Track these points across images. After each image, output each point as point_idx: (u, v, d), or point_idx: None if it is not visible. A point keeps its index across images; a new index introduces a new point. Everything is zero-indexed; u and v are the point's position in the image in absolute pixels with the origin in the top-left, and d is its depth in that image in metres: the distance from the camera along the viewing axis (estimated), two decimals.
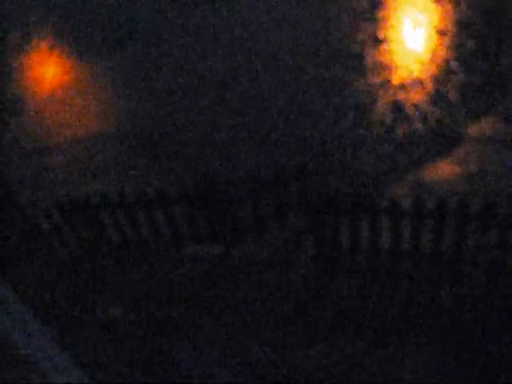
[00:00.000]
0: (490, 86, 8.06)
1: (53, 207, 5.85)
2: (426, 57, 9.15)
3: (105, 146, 8.60)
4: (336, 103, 8.36)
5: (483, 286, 4.81)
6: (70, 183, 7.82)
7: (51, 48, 12.52)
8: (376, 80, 8.75)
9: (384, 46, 9.67)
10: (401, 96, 8.25)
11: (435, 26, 10.01)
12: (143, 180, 7.44)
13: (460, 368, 4.21)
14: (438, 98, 8.05)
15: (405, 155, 7.11)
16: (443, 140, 7.22)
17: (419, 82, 8.48)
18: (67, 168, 8.28)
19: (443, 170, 6.70)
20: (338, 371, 4.36)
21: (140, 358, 4.75)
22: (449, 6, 10.57)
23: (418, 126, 7.57)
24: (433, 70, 8.75)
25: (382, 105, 8.13)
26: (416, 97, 8.16)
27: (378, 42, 9.84)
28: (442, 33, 9.73)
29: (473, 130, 7.29)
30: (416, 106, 7.96)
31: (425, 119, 7.68)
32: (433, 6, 10.78)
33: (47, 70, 11.60)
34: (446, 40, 9.48)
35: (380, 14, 10.81)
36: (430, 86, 8.36)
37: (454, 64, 8.77)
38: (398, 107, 8.02)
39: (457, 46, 9.22)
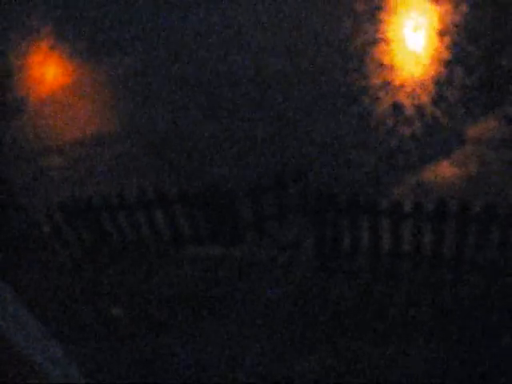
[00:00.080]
0: (490, 87, 8.06)
1: (54, 208, 5.86)
2: (427, 58, 9.16)
3: (105, 147, 8.61)
4: (336, 104, 8.36)
5: (483, 286, 4.81)
6: (71, 184, 7.82)
7: (51, 48, 12.53)
8: (376, 81, 8.76)
9: (384, 47, 9.68)
10: (401, 97, 8.25)
11: (435, 27, 10.02)
12: (144, 182, 7.44)
13: (460, 368, 4.21)
14: (438, 98, 8.06)
15: (405, 156, 7.12)
16: (443, 140, 7.23)
17: (420, 83, 8.49)
18: (68, 169, 8.29)
19: (443, 170, 6.71)
20: (338, 371, 4.36)
21: (140, 358, 4.75)
22: (449, 7, 10.58)
23: (418, 126, 7.58)
24: (433, 70, 8.76)
25: (382, 105, 8.14)
26: (416, 97, 8.17)
27: (378, 42, 9.85)
28: (442, 34, 9.74)
29: (473, 130, 7.30)
30: (416, 107, 7.96)
31: (425, 120, 7.69)
32: (433, 7, 10.79)
33: (48, 71, 11.61)
34: (447, 41, 9.49)
35: (381, 16, 10.82)
36: (430, 86, 8.37)
37: (454, 65, 8.78)
38: (398, 108, 8.03)
39: (457, 47, 9.23)
